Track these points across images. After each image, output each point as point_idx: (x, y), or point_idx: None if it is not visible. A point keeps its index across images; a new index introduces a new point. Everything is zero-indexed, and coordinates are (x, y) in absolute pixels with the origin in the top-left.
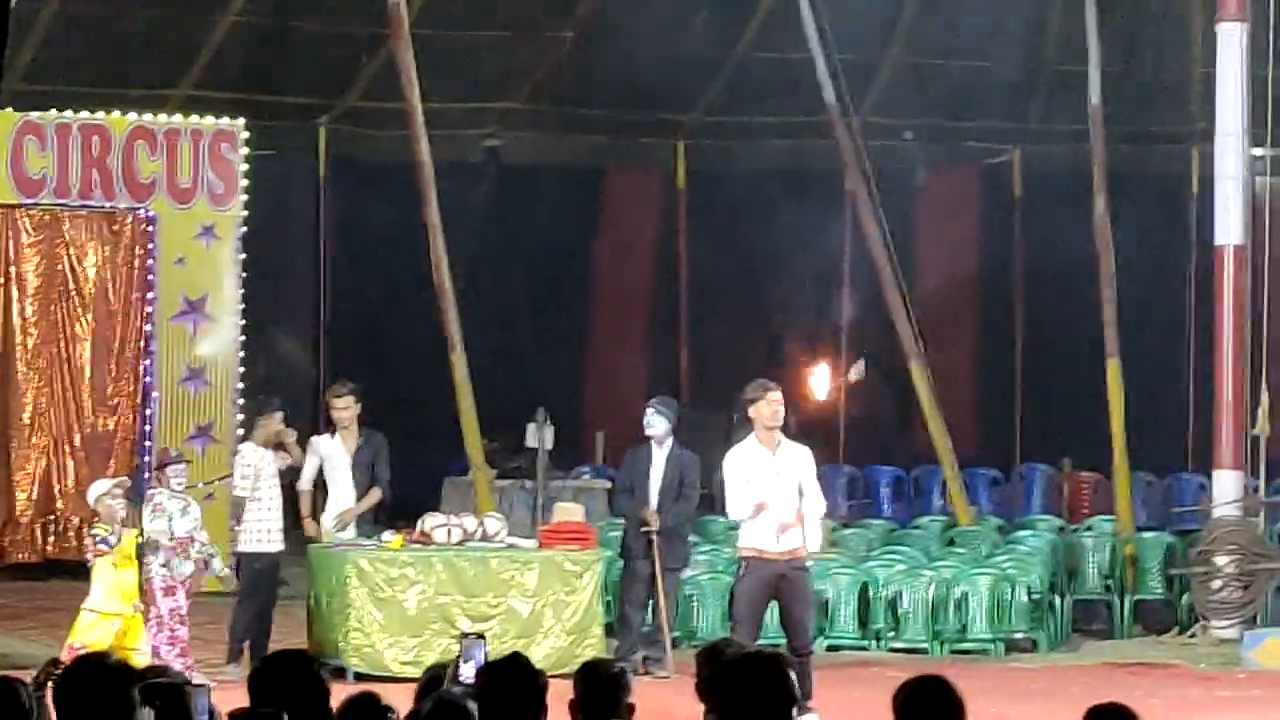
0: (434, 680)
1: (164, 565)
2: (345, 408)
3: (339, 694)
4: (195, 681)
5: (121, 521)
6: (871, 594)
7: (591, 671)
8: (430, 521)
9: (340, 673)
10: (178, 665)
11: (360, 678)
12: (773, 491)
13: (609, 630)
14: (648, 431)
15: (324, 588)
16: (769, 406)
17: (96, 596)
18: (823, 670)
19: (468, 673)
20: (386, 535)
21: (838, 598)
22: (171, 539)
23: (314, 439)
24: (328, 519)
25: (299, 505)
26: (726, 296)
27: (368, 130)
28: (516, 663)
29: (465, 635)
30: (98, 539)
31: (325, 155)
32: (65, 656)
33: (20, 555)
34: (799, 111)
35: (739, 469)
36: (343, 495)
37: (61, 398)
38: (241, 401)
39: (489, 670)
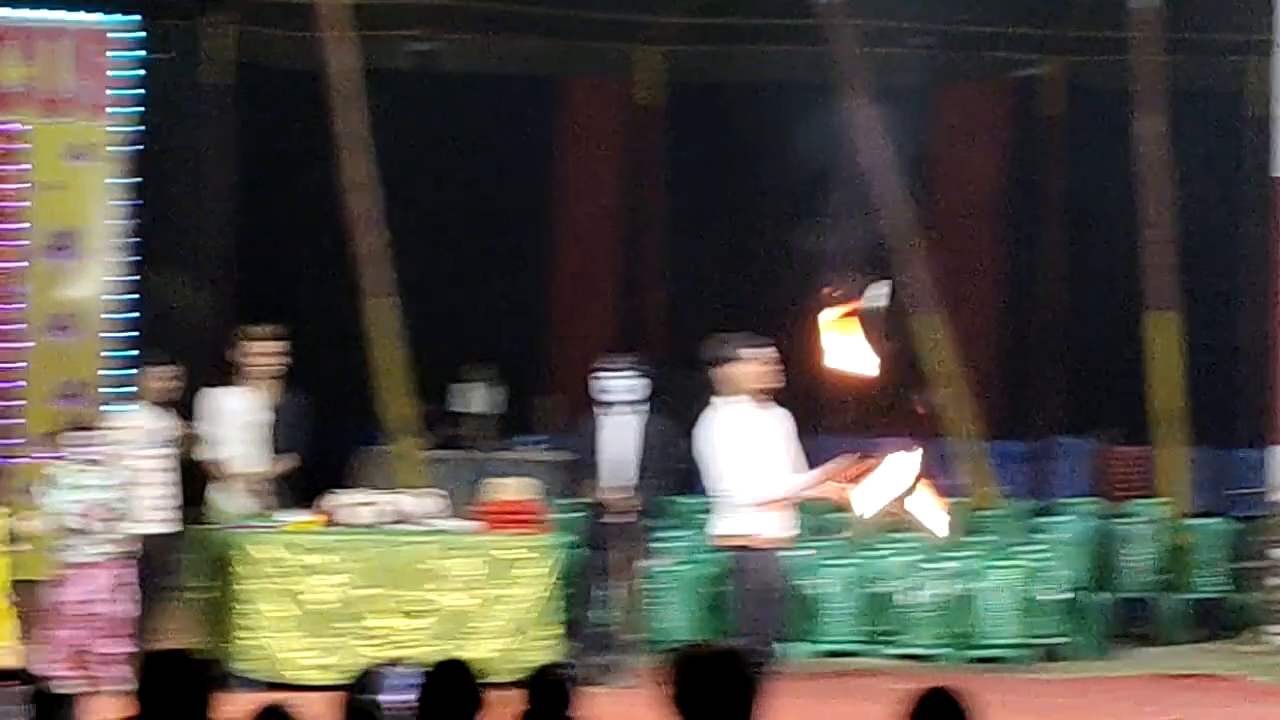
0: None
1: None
2: (265, 352)
3: (232, 705)
4: (58, 691)
5: None
6: (873, 590)
7: (543, 679)
8: (340, 500)
9: (226, 680)
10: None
11: (251, 685)
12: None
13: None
14: (629, 397)
15: (207, 577)
16: (756, 366)
17: None
18: (815, 681)
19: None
20: (287, 516)
21: (832, 595)
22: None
23: (207, 392)
24: (220, 491)
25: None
26: (708, 237)
27: (273, 30)
28: (454, 671)
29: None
30: None
31: (224, 61)
32: None
33: None
34: (788, 13)
35: (741, 435)
36: (241, 459)
37: None
38: (118, 355)
39: (424, 680)
